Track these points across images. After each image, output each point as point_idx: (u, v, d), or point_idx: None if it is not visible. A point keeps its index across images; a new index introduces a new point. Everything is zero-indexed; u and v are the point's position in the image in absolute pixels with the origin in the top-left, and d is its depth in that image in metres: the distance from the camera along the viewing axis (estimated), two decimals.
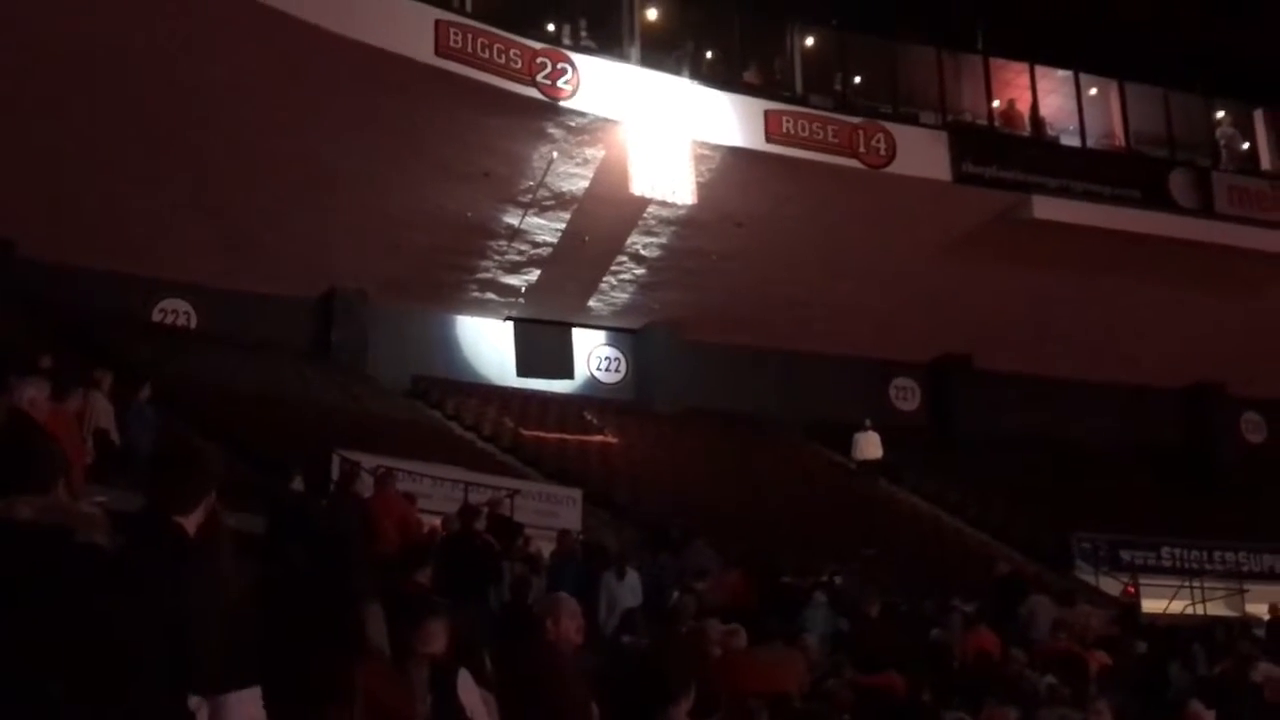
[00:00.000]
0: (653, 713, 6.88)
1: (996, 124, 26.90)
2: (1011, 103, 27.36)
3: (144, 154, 20.58)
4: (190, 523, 3.75)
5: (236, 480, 13.67)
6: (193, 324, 24.19)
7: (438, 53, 20.54)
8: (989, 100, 26.99)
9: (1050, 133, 27.42)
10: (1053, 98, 27.75)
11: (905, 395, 30.13)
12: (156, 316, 23.95)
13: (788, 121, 23.95)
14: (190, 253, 22.81)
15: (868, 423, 25.78)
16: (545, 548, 15.39)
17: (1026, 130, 27.14)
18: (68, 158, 20.22)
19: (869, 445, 25.65)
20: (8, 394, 8.80)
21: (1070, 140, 27.37)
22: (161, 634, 3.31)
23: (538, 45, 21.96)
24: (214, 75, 19.52)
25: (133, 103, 19.66)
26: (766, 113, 23.87)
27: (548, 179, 23.36)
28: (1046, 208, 25.52)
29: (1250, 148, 29.00)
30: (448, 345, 26.72)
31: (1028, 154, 26.33)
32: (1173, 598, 22.89)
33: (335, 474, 15.81)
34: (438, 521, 14.50)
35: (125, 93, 19.48)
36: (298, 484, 13.04)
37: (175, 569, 3.51)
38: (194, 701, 3.61)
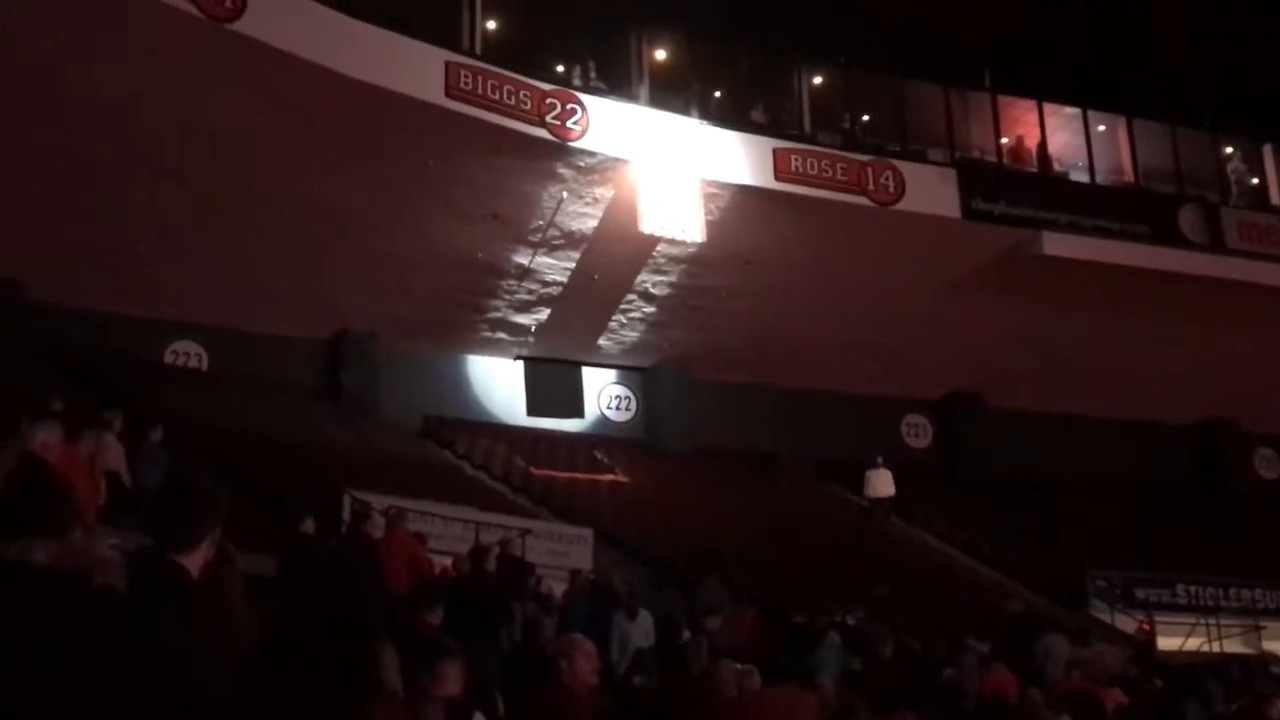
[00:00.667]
0: None
1: (1005, 161, 26.95)
2: (1020, 139, 27.44)
3: (154, 196, 20.68)
4: (192, 562, 3.75)
5: (247, 521, 13.66)
6: (204, 365, 24.23)
7: (448, 94, 20.67)
8: (997, 137, 27.06)
9: (1059, 169, 27.48)
10: (1061, 134, 27.82)
11: (917, 432, 30.05)
12: (168, 358, 24.00)
13: (796, 160, 24.03)
14: (201, 294, 22.88)
15: (880, 460, 25.70)
16: (557, 587, 15.33)
17: (1035, 167, 27.19)
18: (78, 200, 20.32)
19: (881, 483, 25.54)
20: (20, 438, 8.81)
21: (1079, 176, 27.42)
22: (166, 677, 3.30)
23: (547, 86, 22.09)
24: (225, 118, 19.64)
25: (143, 144, 19.77)
26: (775, 151, 23.96)
27: (557, 218, 23.43)
28: (1056, 244, 25.54)
29: (1259, 183, 29.02)
30: (458, 385, 26.74)
31: (1037, 190, 26.38)
32: (1188, 635, 22.73)
33: (346, 514, 15.78)
34: (449, 561, 14.46)
35: (135, 134, 19.59)
36: (309, 525, 13.02)
37: (176, 610, 3.51)
38: None
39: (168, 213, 21.07)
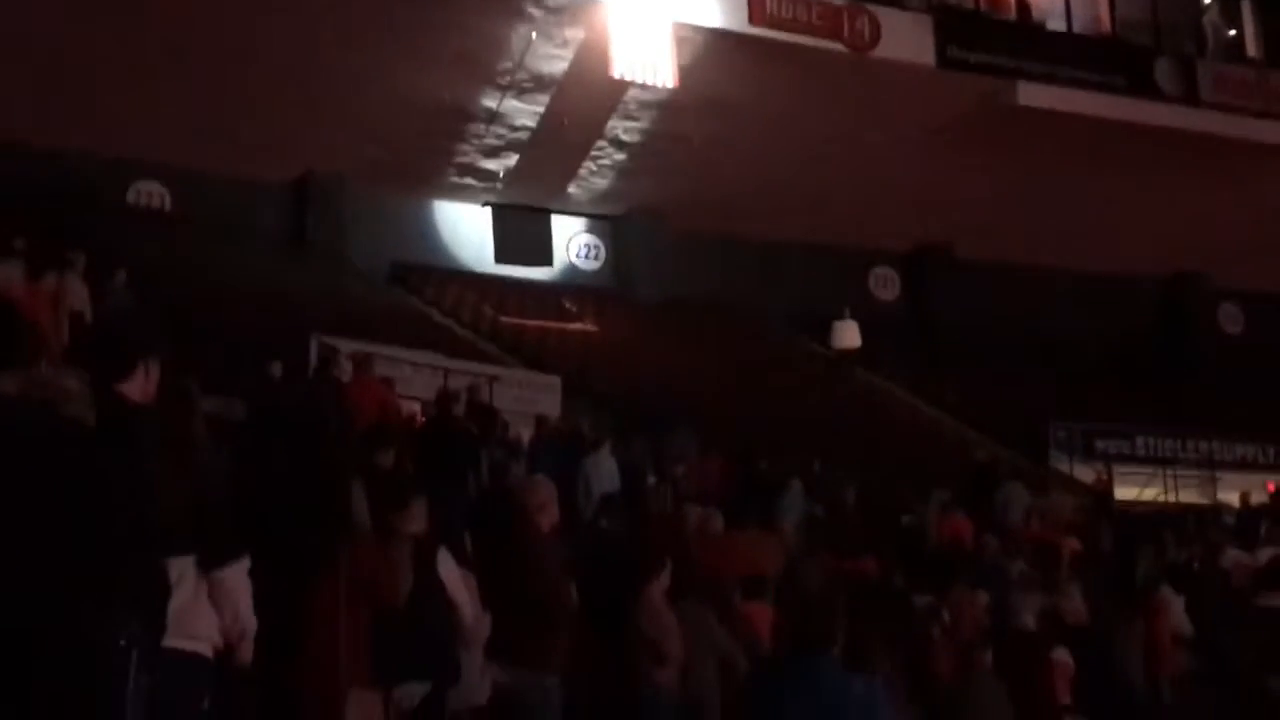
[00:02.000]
0: (627, 592, 6.98)
1: (982, 8, 26.55)
2: None
3: (117, 30, 20.17)
4: (132, 389, 3.74)
5: (214, 365, 13.63)
6: (167, 206, 23.90)
7: None
8: None
9: (1036, 17, 27.10)
10: None
11: (885, 284, 30.11)
12: (131, 198, 23.64)
13: (772, 3, 23.59)
14: (164, 134, 22.40)
15: (846, 312, 25.78)
16: (524, 434, 15.43)
17: (1012, 15, 26.83)
18: (39, 39, 19.79)
19: (847, 334, 25.67)
20: None
21: (1056, 25, 27.08)
22: (126, 500, 3.33)
23: None
24: None
25: None
26: None
27: (526, 60, 23.02)
28: (1031, 94, 25.36)
29: (1236, 35, 28.74)
30: (426, 230, 26.51)
31: (1013, 39, 26.09)
32: (1145, 485, 23.19)
33: (314, 359, 15.75)
34: (417, 407, 14.52)
35: None
36: (276, 369, 13.02)
37: (122, 437, 3.52)
38: (177, 566, 3.64)
39: (129, 51, 20.55)
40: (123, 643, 3.29)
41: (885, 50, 24.30)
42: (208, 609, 4.10)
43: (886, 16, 24.49)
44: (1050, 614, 10.66)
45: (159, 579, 3.58)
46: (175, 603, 3.78)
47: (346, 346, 15.80)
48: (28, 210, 19.40)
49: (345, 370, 13.98)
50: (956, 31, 25.25)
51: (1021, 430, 24.25)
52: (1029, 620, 10.35)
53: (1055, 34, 26.86)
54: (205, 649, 4.16)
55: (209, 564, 3.96)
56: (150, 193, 23.81)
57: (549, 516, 6.87)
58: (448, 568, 5.88)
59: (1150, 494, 23.13)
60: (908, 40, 24.54)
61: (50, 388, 3.41)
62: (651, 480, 14.41)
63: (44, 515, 3.20)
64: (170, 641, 3.76)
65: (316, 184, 24.92)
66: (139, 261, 16.52)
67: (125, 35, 20.32)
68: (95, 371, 3.74)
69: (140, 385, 3.77)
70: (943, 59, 24.81)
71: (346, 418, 11.09)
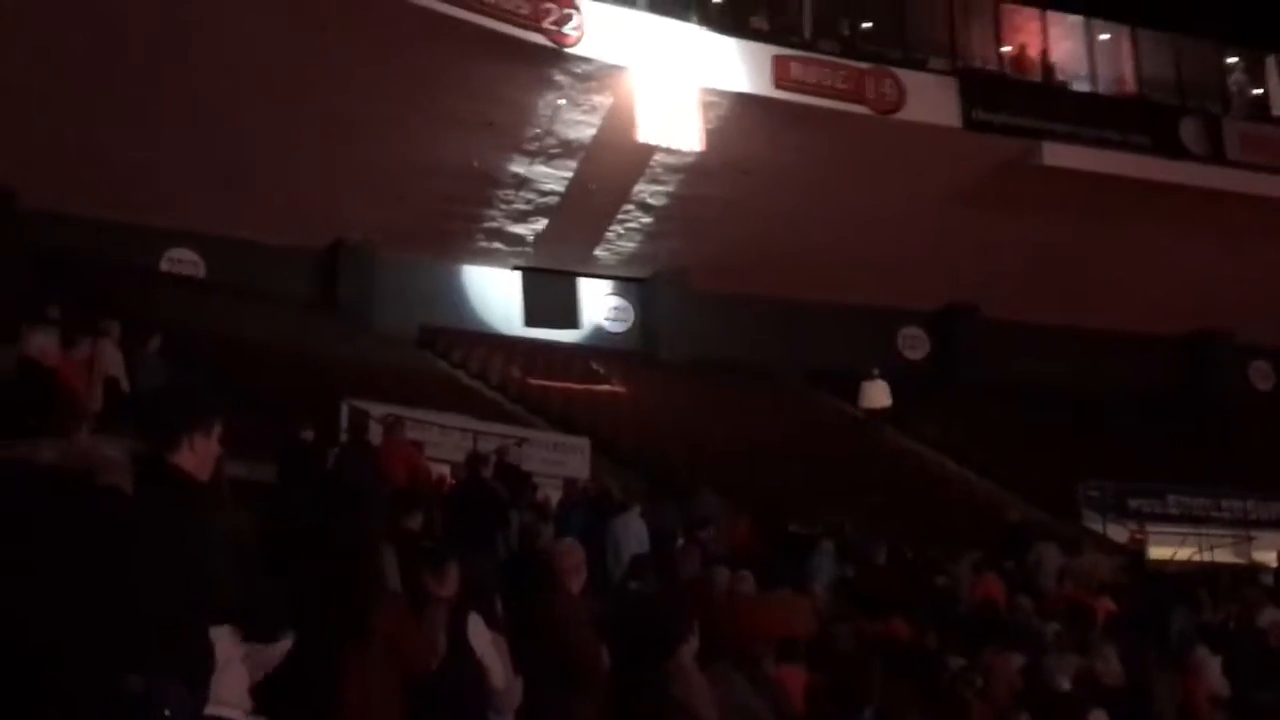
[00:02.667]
0: (658, 655, 6.95)
1: (1007, 70, 26.70)
2: (1023, 48, 27.16)
3: (149, 101, 20.49)
4: (184, 460, 3.79)
5: (245, 430, 13.71)
6: (201, 273, 24.17)
7: None
8: (999, 45, 26.80)
9: (1061, 78, 27.23)
10: (1064, 43, 27.56)
11: (913, 344, 30.08)
12: (165, 266, 23.93)
13: (796, 67, 23.82)
14: (198, 202, 22.73)
15: (875, 371, 25.74)
16: (553, 496, 15.43)
17: (1037, 76, 26.95)
18: (70, 105, 20.12)
19: (876, 394, 25.58)
20: (17, 344, 8.82)
21: (1081, 86, 27.19)
22: (175, 571, 3.36)
23: None
24: (220, 22, 19.43)
25: (137, 48, 19.55)
26: (775, 58, 23.75)
27: (554, 127, 23.25)
28: (1057, 154, 25.42)
29: (1261, 94, 28.78)
30: (455, 295, 26.68)
31: (1038, 100, 26.19)
32: (1180, 545, 22.94)
33: (344, 423, 15.84)
34: (446, 469, 14.55)
35: (128, 38, 19.38)
36: (307, 433, 13.08)
37: (179, 509, 3.56)
38: (220, 635, 3.66)
39: (164, 118, 20.88)
40: (167, 712, 3.32)
41: (910, 113, 24.44)
42: (241, 674, 4.13)
43: (911, 79, 24.66)
44: (1086, 675, 10.55)
45: (204, 648, 3.61)
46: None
47: (376, 410, 15.89)
48: (63, 279, 19.68)
49: (375, 434, 14.05)
50: (981, 93, 25.38)
51: (1052, 490, 24.07)
52: (1064, 682, 10.25)
53: (1080, 94, 26.97)
54: (237, 715, 4.18)
55: (258, 639, 4.00)
56: (184, 260, 24.10)
57: (578, 580, 6.87)
58: (478, 631, 5.87)
59: (1185, 554, 22.87)
60: (932, 102, 24.68)
61: (89, 456, 3.45)
62: (680, 542, 14.37)
63: (85, 583, 3.24)
64: (207, 709, 3.79)
65: (346, 250, 25.17)
66: (172, 328, 16.67)
67: (158, 106, 20.62)
68: (150, 440, 3.79)
69: (192, 456, 3.82)
70: (968, 121, 24.94)
71: (377, 481, 11.14)
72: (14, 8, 18.42)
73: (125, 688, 3.25)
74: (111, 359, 12.86)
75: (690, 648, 7.08)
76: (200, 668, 3.57)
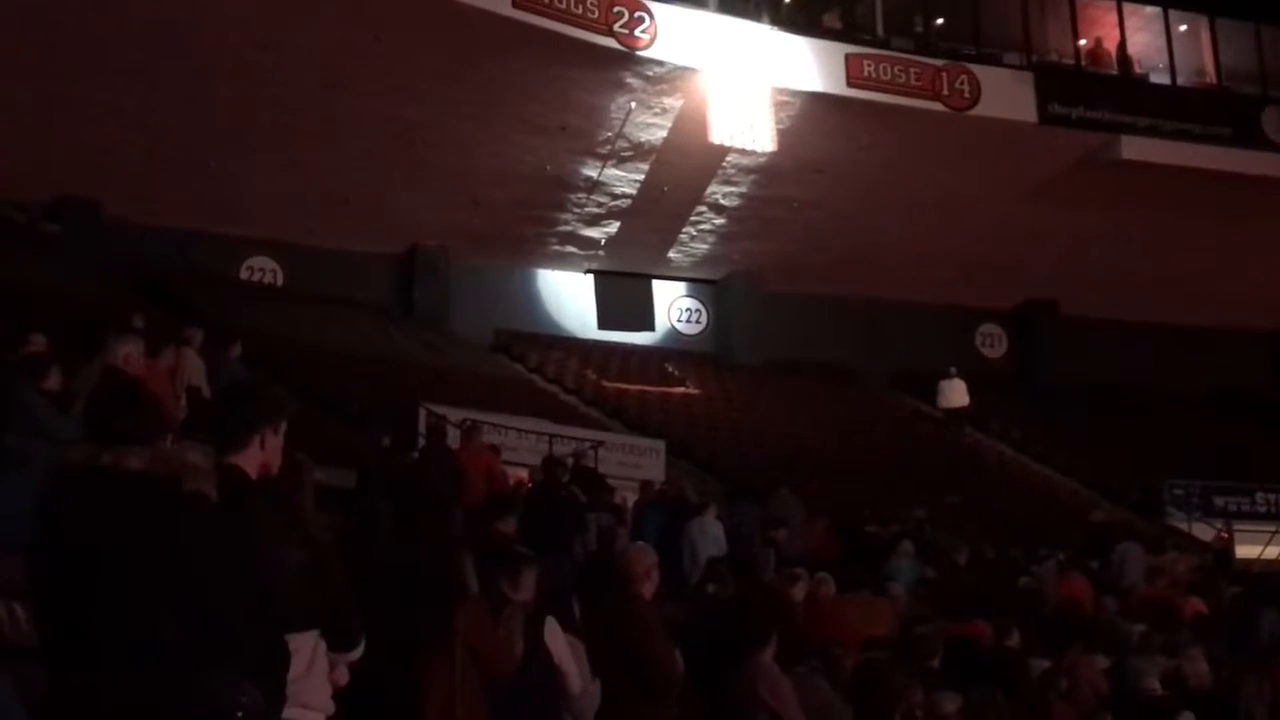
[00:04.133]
0: (736, 658, 6.92)
1: (1083, 63, 26.35)
2: (1099, 41, 26.77)
3: (229, 113, 20.81)
4: (246, 462, 3.81)
5: (325, 436, 13.89)
6: (280, 281, 24.52)
7: (515, 4, 20.48)
8: (1075, 39, 26.46)
9: (1139, 71, 26.82)
10: (1141, 35, 27.11)
11: (991, 342, 29.78)
12: (244, 274, 24.32)
13: (869, 65, 23.65)
14: (276, 211, 23.06)
15: (953, 370, 25.51)
16: (629, 498, 15.44)
17: (1114, 69, 26.56)
18: (154, 118, 20.50)
19: (954, 393, 25.37)
20: (103, 352, 8.97)
21: (1159, 78, 26.76)
22: (253, 575, 3.41)
23: None
24: (298, 34, 19.67)
25: (218, 62, 19.86)
26: (847, 57, 23.60)
27: (626, 130, 23.28)
28: (1135, 148, 25.03)
29: None
30: (529, 299, 26.83)
31: (1115, 93, 25.81)
32: (1268, 543, 22.46)
33: (422, 428, 15.97)
34: (523, 473, 14.61)
35: (210, 52, 19.68)
36: (386, 438, 13.20)
37: (240, 511, 3.59)
38: (304, 640, 3.70)
39: (242, 130, 21.19)
40: (240, 715, 3.36)
41: (985, 109, 24.18)
42: (323, 679, 4.16)
43: (986, 75, 24.40)
44: (1173, 677, 10.35)
45: (280, 652, 3.65)
46: (289, 673, 3.85)
47: (454, 414, 16.01)
48: (146, 288, 20.06)
49: (453, 438, 14.15)
50: (1058, 88, 25.05)
51: (1136, 488, 23.71)
52: (1152, 684, 10.06)
53: (1159, 86, 26.54)
54: (319, 719, 4.22)
55: (339, 645, 4.04)
56: (263, 268, 24.48)
57: (651, 584, 6.86)
58: (555, 635, 5.88)
59: (1273, 552, 22.39)
60: (1008, 98, 24.40)
61: (174, 462, 3.50)
62: (757, 545, 14.31)
63: (168, 586, 3.29)
64: (285, 712, 3.83)
65: (422, 256, 25.40)
66: (252, 335, 16.91)
67: (238, 118, 20.93)
68: (215, 445, 3.83)
69: (254, 457, 3.84)
70: (1044, 115, 24.62)
71: (456, 486, 11.21)
72: (103, 27, 18.77)
73: (206, 689, 3.30)
74: (194, 367, 13.05)
75: (769, 651, 7.05)
76: (278, 670, 3.61)
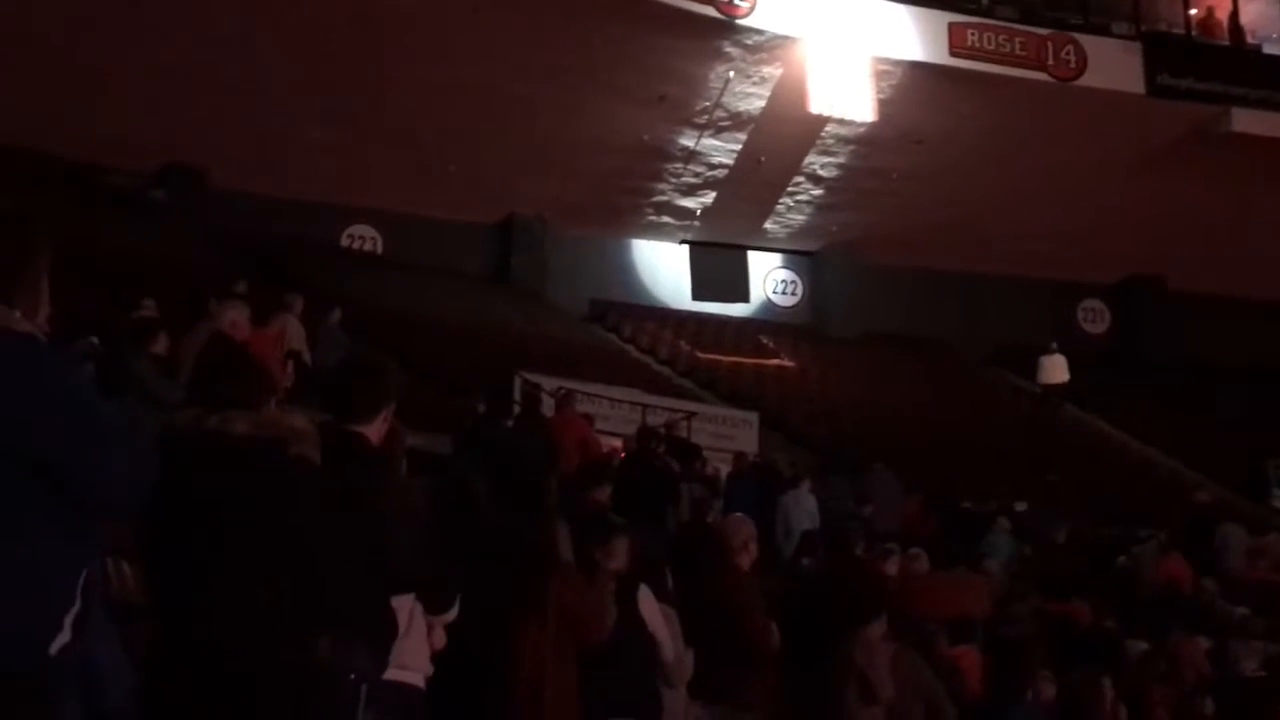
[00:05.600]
0: (839, 632, 6.88)
1: (1194, 33, 25.68)
2: (1210, 10, 26.06)
3: (330, 83, 21.03)
4: (372, 432, 3.90)
5: (422, 402, 14.05)
6: (379, 249, 24.83)
7: None
8: (1185, 8, 25.78)
9: (1251, 42, 26.06)
10: (1254, 4, 26.34)
11: (1094, 317, 29.26)
12: (345, 242, 24.66)
13: (973, 34, 23.27)
14: (376, 180, 23.33)
15: (1053, 345, 25.10)
16: (722, 469, 15.45)
17: (1225, 39, 25.85)
18: (257, 88, 20.79)
19: (1055, 369, 24.94)
20: (209, 318, 9.16)
21: (1272, 49, 25.98)
22: (357, 538, 3.46)
23: None
24: (398, 4, 19.83)
25: (320, 33, 20.09)
26: (950, 25, 23.22)
27: (724, 99, 23.16)
28: (1246, 120, 24.39)
29: None
30: (624, 269, 26.87)
31: (1226, 64, 25.13)
32: None
33: (517, 395, 16.10)
34: (617, 442, 14.68)
35: (312, 23, 19.92)
36: (481, 405, 13.33)
37: (363, 477, 3.66)
38: (402, 603, 3.76)
39: (343, 100, 21.42)
40: (353, 676, 3.43)
41: (1092, 79, 23.69)
42: (421, 640, 4.23)
43: (1093, 45, 23.89)
44: (1276, 661, 10.15)
45: (387, 614, 3.71)
46: None
47: (548, 383, 16.12)
48: (250, 255, 20.42)
49: (547, 406, 14.25)
50: (1166, 58, 24.45)
51: (1241, 468, 23.19)
52: (1252, 667, 9.87)
53: (1272, 57, 25.78)
54: (418, 680, 4.30)
55: (435, 608, 4.11)
56: (363, 236, 24.80)
57: (749, 555, 6.86)
58: (648, 604, 5.90)
59: None
60: (1115, 68, 23.88)
61: (279, 426, 3.56)
62: (851, 519, 14.25)
63: (276, 550, 3.35)
64: (389, 674, 3.91)
65: (519, 225, 25.54)
66: (351, 302, 17.16)
67: (340, 89, 21.16)
68: (337, 412, 3.91)
69: (379, 429, 3.93)
70: (1152, 87, 24.06)
71: (551, 454, 11.28)
72: (207, 3, 19.08)
73: (315, 651, 3.36)
74: (295, 333, 13.29)
75: (878, 629, 7.01)
76: (383, 633, 3.68)
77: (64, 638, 2.55)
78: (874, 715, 6.93)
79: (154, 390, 7.92)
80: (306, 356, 13.48)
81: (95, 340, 9.89)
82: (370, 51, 20.60)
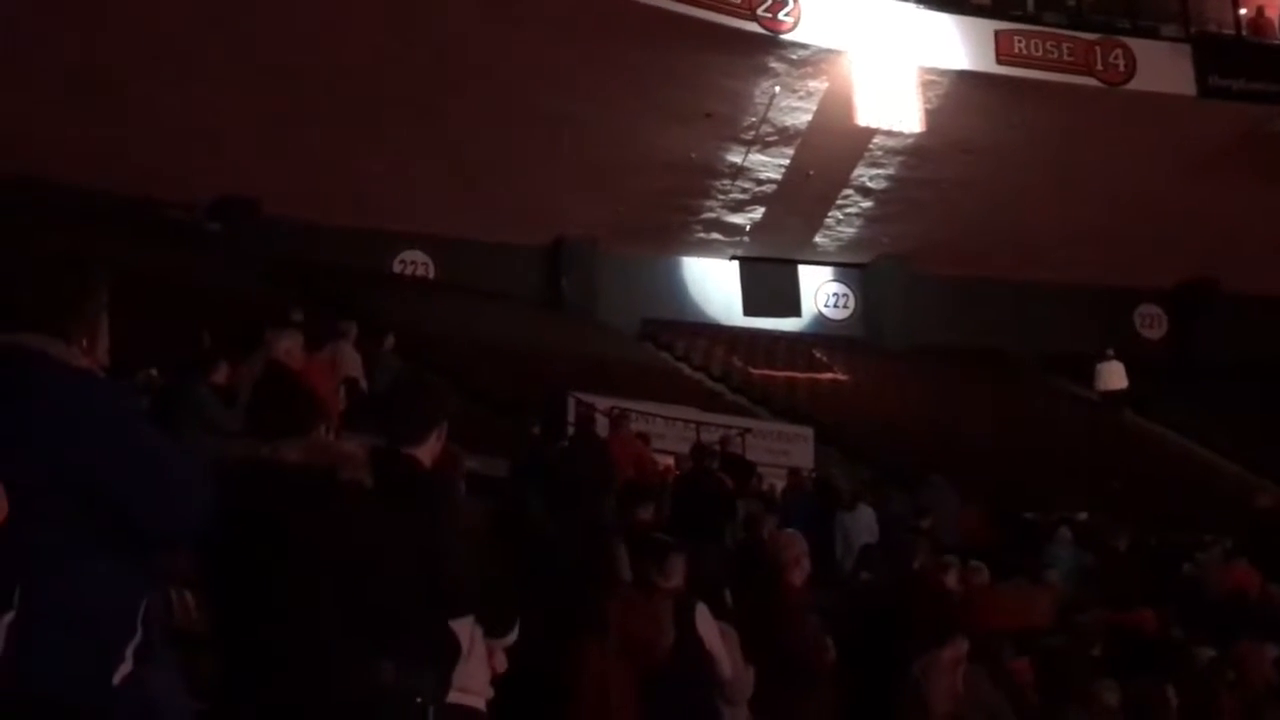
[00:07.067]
0: (906, 650, 6.83)
1: (1244, 33, 25.39)
2: (1260, 10, 25.78)
3: (379, 111, 21.22)
4: (423, 454, 3.91)
5: (476, 425, 14.11)
6: (431, 274, 24.98)
7: None
8: (1235, 8, 25.50)
9: None
10: None
11: (1151, 323, 28.94)
12: (397, 268, 24.83)
13: (1019, 41, 23.14)
14: (427, 206, 23.48)
15: (1110, 352, 24.85)
16: (778, 485, 15.39)
17: (1276, 39, 25.54)
18: (307, 118, 21.01)
19: (1112, 375, 24.70)
20: (264, 346, 9.24)
21: None
22: (411, 562, 3.48)
23: None
24: (442, 28, 19.99)
25: (368, 61, 20.28)
26: (997, 33, 23.12)
27: (770, 114, 23.15)
28: None
29: None
30: (675, 287, 26.88)
31: (1278, 64, 24.80)
32: None
33: (571, 416, 16.11)
34: (671, 461, 14.66)
35: (359, 51, 20.12)
36: (536, 427, 13.37)
37: (416, 501, 3.67)
38: (462, 626, 3.77)
39: (392, 126, 21.61)
40: (419, 699, 3.45)
41: (1141, 83, 23.49)
42: (483, 664, 4.25)
43: (1142, 48, 23.69)
44: None
45: (450, 639, 3.73)
46: None
47: (602, 403, 16.11)
48: (303, 282, 20.62)
49: (602, 426, 14.25)
50: (1217, 60, 24.20)
51: None
52: None
53: None
54: (479, 703, 4.31)
55: (495, 631, 4.13)
56: (414, 262, 24.96)
57: (802, 571, 6.83)
58: (706, 623, 5.90)
59: None
60: (1165, 71, 23.66)
61: (330, 452, 3.59)
62: (910, 532, 14.14)
63: (333, 576, 3.37)
64: (450, 697, 3.92)
65: (569, 246, 25.62)
66: (405, 327, 17.27)
67: (389, 116, 21.35)
68: (389, 435, 3.93)
69: (430, 451, 3.95)
70: (1204, 89, 23.81)
71: (606, 474, 11.29)
72: (255, 32, 19.33)
73: (379, 676, 3.39)
74: (350, 359, 13.38)
75: (953, 649, 6.96)
76: (445, 657, 3.69)
77: (126, 668, 2.58)
78: None
79: (213, 419, 8.02)
80: (363, 383, 13.58)
81: (154, 372, 10.03)
82: (418, 77, 20.77)
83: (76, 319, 2.71)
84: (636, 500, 7.49)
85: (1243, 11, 25.66)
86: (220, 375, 9.19)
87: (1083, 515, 16.23)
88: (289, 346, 8.31)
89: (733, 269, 27.10)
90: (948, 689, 6.86)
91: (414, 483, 3.76)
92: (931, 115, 22.85)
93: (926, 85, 22.79)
